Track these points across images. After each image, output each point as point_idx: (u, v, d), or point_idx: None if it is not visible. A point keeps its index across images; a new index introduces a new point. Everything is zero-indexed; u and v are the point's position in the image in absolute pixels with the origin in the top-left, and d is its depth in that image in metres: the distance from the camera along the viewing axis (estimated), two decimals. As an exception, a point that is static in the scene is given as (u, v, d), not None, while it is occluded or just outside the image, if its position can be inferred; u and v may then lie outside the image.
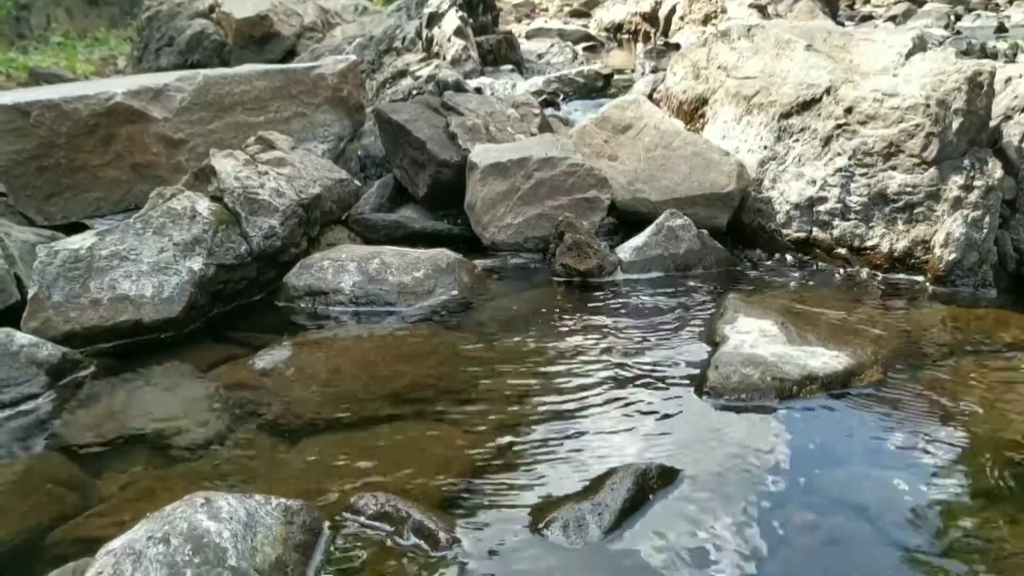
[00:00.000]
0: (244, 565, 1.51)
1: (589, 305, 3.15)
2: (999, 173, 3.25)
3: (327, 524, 1.86)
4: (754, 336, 2.63)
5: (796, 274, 3.48)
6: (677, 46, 7.75)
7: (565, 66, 7.02)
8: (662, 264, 3.42)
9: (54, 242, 3.05)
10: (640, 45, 9.99)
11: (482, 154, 3.83)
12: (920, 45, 3.73)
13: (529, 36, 9.46)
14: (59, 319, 2.88)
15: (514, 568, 1.74)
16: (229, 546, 1.52)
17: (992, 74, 3.31)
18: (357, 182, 4.09)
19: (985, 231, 3.20)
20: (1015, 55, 5.75)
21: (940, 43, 5.38)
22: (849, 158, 3.47)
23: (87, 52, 11.22)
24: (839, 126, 3.53)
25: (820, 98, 3.67)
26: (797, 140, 3.70)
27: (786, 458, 2.10)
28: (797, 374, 2.38)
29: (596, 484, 1.95)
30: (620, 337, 2.85)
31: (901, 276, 3.34)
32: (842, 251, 3.48)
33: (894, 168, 3.36)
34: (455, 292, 3.30)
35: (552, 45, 7.78)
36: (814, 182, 3.56)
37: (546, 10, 14.58)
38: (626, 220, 3.81)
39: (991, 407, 2.33)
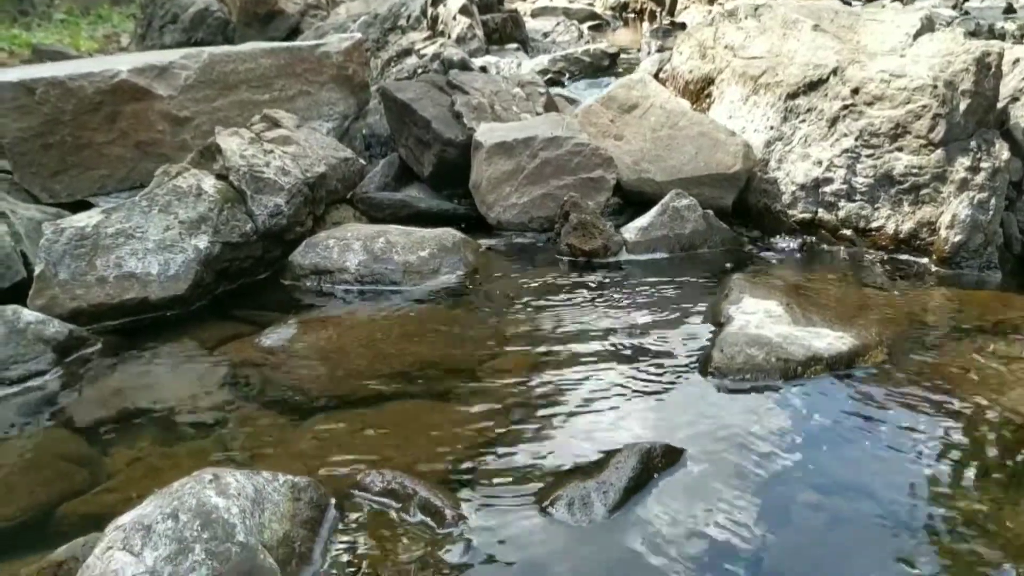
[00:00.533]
0: (252, 541, 1.52)
1: (594, 285, 3.15)
2: (1006, 155, 3.24)
3: (334, 501, 1.88)
4: (759, 317, 2.63)
5: (801, 255, 3.48)
6: (683, 25, 7.70)
7: (571, 45, 6.98)
8: (667, 244, 3.42)
9: (60, 220, 3.06)
10: (646, 24, 9.93)
11: (487, 133, 3.82)
12: (928, 26, 3.71)
13: (534, 15, 9.40)
14: (65, 297, 2.88)
15: (519, 545, 1.75)
16: (237, 522, 1.53)
17: (1000, 55, 3.29)
18: (362, 161, 4.09)
19: (991, 213, 3.20)
20: (1023, 36, 5.71)
21: (948, 24, 5.34)
22: (855, 139, 3.46)
23: (90, 29, 11.17)
24: (846, 107, 3.52)
25: (827, 78, 3.65)
26: (804, 121, 3.69)
27: (790, 439, 2.11)
28: (802, 355, 2.38)
29: (601, 463, 1.96)
30: (625, 317, 2.85)
31: (906, 258, 3.34)
32: (847, 232, 3.48)
33: (900, 149, 3.35)
34: (460, 271, 3.31)
35: (558, 24, 7.73)
36: (820, 163, 3.55)
37: (551, -12, 14.46)
38: (631, 200, 3.81)
39: (995, 389, 2.33)
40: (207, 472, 1.63)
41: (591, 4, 11.04)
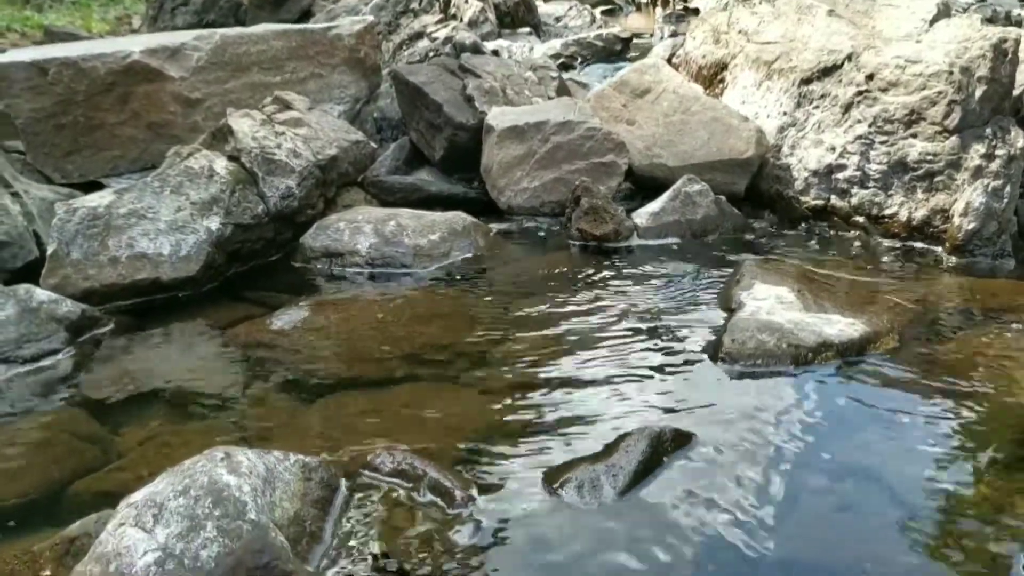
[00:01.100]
0: (263, 519, 1.53)
1: (605, 270, 3.15)
2: (1021, 142, 3.21)
3: (344, 481, 1.89)
4: (770, 303, 2.63)
5: (813, 242, 3.46)
6: (696, 11, 7.64)
7: (583, 29, 6.95)
8: (679, 230, 3.41)
9: (72, 200, 3.07)
10: (659, 9, 9.85)
11: (499, 117, 3.81)
12: (944, 11, 3.68)
13: (547, -1, 9.34)
14: (78, 276, 2.90)
15: (529, 527, 1.76)
16: (249, 500, 1.54)
17: (1017, 42, 3.26)
18: (373, 144, 4.08)
19: (1005, 201, 3.18)
20: (1041, 23, 5.66)
21: (965, 9, 5.29)
22: (869, 125, 3.43)
23: (102, 11, 11.16)
24: (860, 93, 3.50)
25: (841, 64, 3.63)
26: (817, 107, 3.67)
27: (800, 424, 2.10)
28: (813, 341, 2.38)
29: (611, 446, 1.96)
30: (635, 302, 2.85)
31: (919, 245, 3.32)
32: (860, 219, 3.46)
33: (915, 136, 3.33)
34: (470, 255, 3.31)
35: (570, 8, 7.69)
36: (833, 149, 3.53)
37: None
38: (643, 185, 3.80)
39: (1007, 377, 2.32)
40: (219, 450, 1.64)
41: (604, -12, 10.95)
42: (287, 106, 3.64)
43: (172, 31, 7.30)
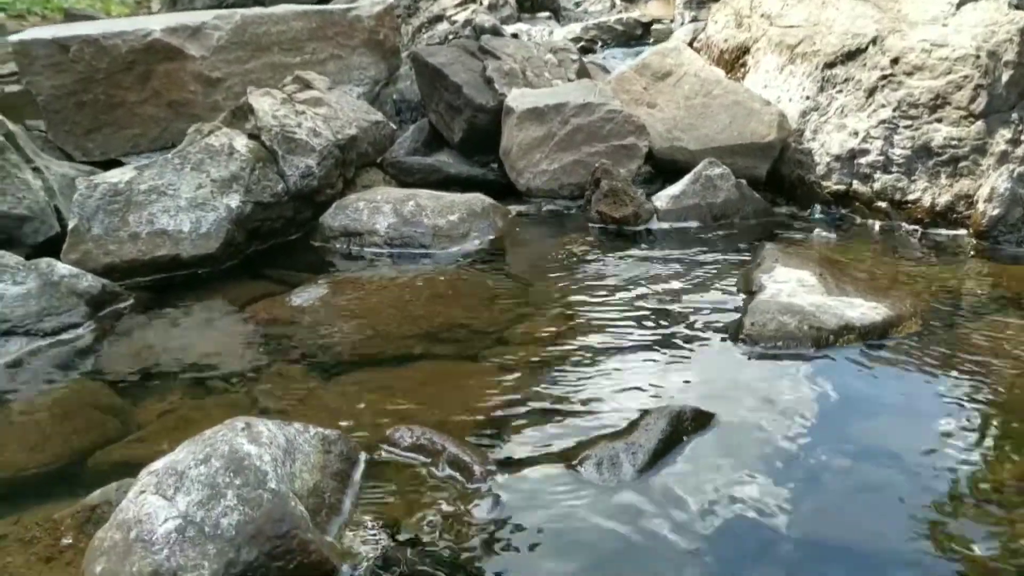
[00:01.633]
0: (284, 489, 1.53)
1: (624, 252, 3.13)
2: (1049, 128, 3.17)
3: (363, 455, 1.89)
4: (791, 286, 2.61)
5: (834, 227, 3.43)
6: (717, -4, 7.58)
7: (603, 14, 6.90)
8: (699, 213, 3.39)
9: (93, 175, 3.08)
10: (679, -5, 9.78)
11: (519, 99, 3.79)
12: (972, -5, 3.62)
13: (566, -16, 9.28)
14: (99, 252, 2.91)
15: (547, 502, 1.75)
16: (269, 470, 1.54)
17: (1047, 25, 3.21)
18: (393, 125, 4.07)
19: (1031, 187, 3.14)
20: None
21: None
22: (894, 110, 3.40)
23: (122, -6, 11.19)
24: (884, 77, 3.46)
25: (866, 48, 3.59)
26: (840, 91, 3.63)
27: (821, 405, 2.09)
28: (835, 323, 2.36)
29: (630, 425, 1.96)
30: (655, 284, 2.83)
31: (942, 231, 3.29)
32: (882, 205, 3.43)
33: (940, 120, 3.29)
34: (489, 236, 3.30)
35: (590, -7, 7.64)
36: (856, 134, 3.50)
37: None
38: (663, 169, 3.77)
39: (1031, 362, 2.30)
40: (239, 420, 1.64)
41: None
42: (307, 85, 3.63)
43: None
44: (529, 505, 1.75)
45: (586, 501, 1.75)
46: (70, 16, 8.72)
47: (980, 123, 3.20)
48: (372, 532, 1.66)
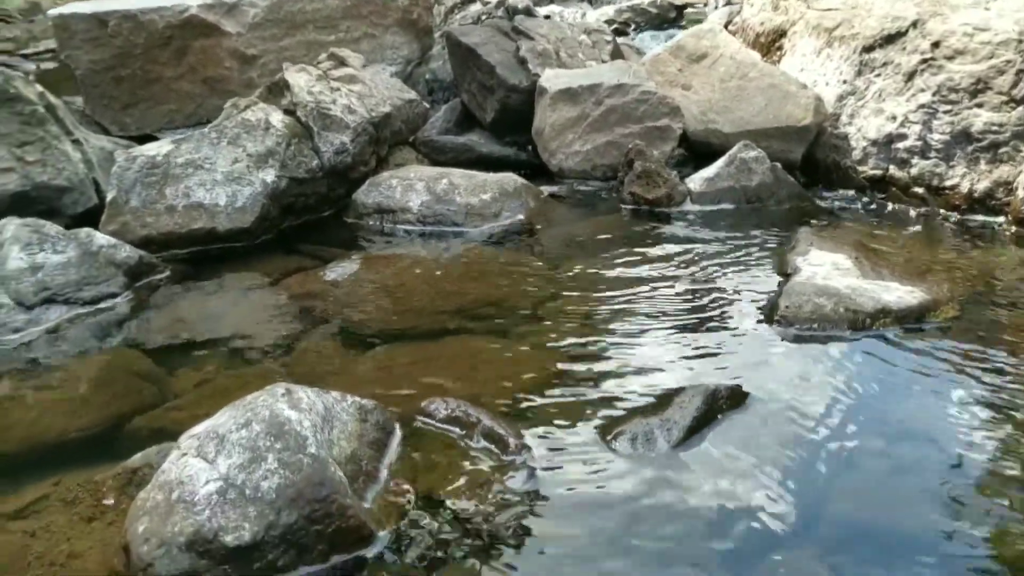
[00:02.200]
0: (323, 454, 1.54)
1: (657, 233, 3.12)
2: (1093, 114, 3.12)
3: (398, 425, 1.90)
4: (827, 269, 2.59)
5: (870, 212, 3.40)
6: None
7: (636, -3, 6.85)
8: (733, 196, 3.36)
9: (131, 148, 3.11)
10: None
11: (552, 79, 3.78)
12: (1016, -22, 3.56)
13: (598, -33, 9.22)
14: (136, 223, 2.94)
15: (582, 475, 1.76)
16: (309, 435, 1.55)
17: (1093, 10, 3.16)
18: (426, 104, 4.08)
19: (1073, 174, 3.09)
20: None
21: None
22: (933, 94, 3.35)
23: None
24: (924, 61, 3.41)
25: (906, 31, 3.54)
26: (879, 75, 3.58)
27: (857, 387, 2.08)
28: (871, 307, 2.34)
29: (665, 401, 1.96)
30: (688, 265, 2.82)
31: (980, 218, 3.24)
32: (919, 190, 3.39)
33: (980, 106, 3.24)
34: (521, 216, 3.30)
35: (623, -24, 7.58)
36: (894, 118, 3.46)
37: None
38: (697, 151, 3.75)
39: (1071, 349, 2.27)
40: (279, 386, 1.66)
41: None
42: (342, 63, 3.64)
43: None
44: (563, 478, 1.76)
45: (620, 475, 1.76)
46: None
47: (1021, 108, 3.15)
48: (408, 501, 1.68)
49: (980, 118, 3.23)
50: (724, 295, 2.59)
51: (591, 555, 1.57)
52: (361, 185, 3.38)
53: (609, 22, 5.63)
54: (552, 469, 1.78)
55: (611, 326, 2.42)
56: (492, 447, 1.83)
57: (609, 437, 1.85)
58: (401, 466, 1.79)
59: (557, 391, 2.10)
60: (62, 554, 1.61)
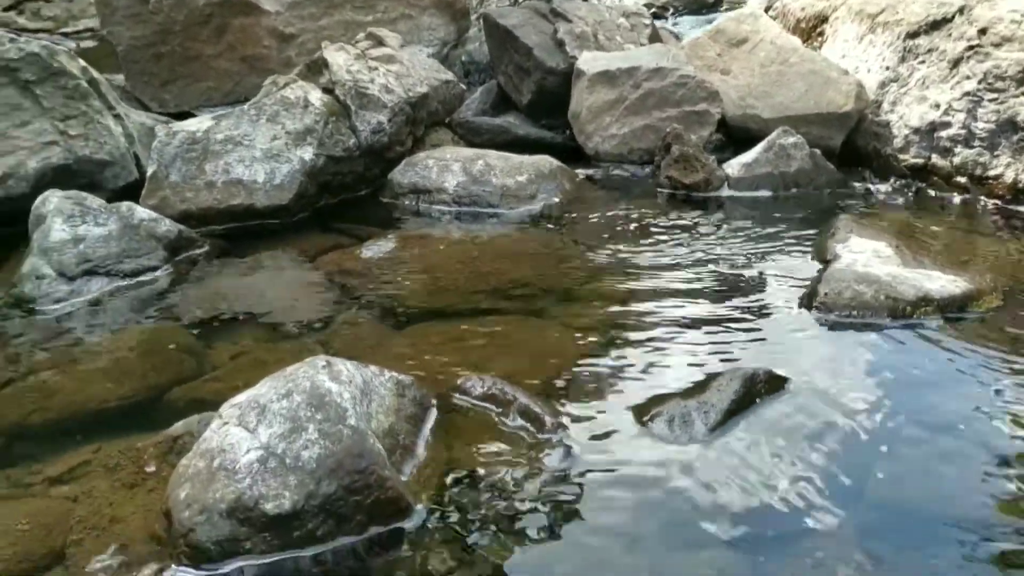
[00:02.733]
0: (363, 426, 1.55)
1: (694, 218, 3.10)
2: None
3: (434, 401, 1.91)
4: (867, 256, 2.56)
5: (910, 201, 3.35)
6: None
7: (674, -18, 6.78)
8: (771, 182, 3.33)
9: (172, 124, 3.13)
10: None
11: (590, 62, 3.76)
12: (1068, -35, 3.48)
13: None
14: (176, 198, 2.97)
15: (618, 455, 1.76)
16: (349, 407, 1.56)
17: None
18: (462, 85, 4.07)
19: (1122, 165, 3.03)
20: None
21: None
22: (979, 82, 3.29)
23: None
24: (971, 48, 3.35)
25: (952, 17, 3.48)
26: (923, 61, 3.53)
27: (897, 375, 2.05)
28: (912, 295, 2.31)
29: (702, 384, 1.95)
30: (725, 250, 2.80)
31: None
32: (961, 179, 3.33)
33: (1028, 94, 3.18)
34: (556, 199, 3.29)
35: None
36: (938, 106, 3.40)
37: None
38: (735, 137, 3.71)
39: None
40: (320, 358, 1.67)
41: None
42: (380, 42, 3.64)
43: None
44: (599, 458, 1.76)
45: (657, 456, 1.76)
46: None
47: (1070, 98, 3.09)
48: (444, 475, 1.69)
49: (1027, 107, 3.17)
50: (762, 280, 2.57)
51: (626, 535, 1.57)
52: (397, 165, 3.39)
53: (648, 5, 5.58)
54: (588, 448, 1.78)
55: (647, 309, 2.41)
56: (528, 425, 1.83)
57: (646, 418, 1.85)
58: (437, 441, 1.79)
59: (592, 372, 2.09)
60: (104, 518, 1.63)
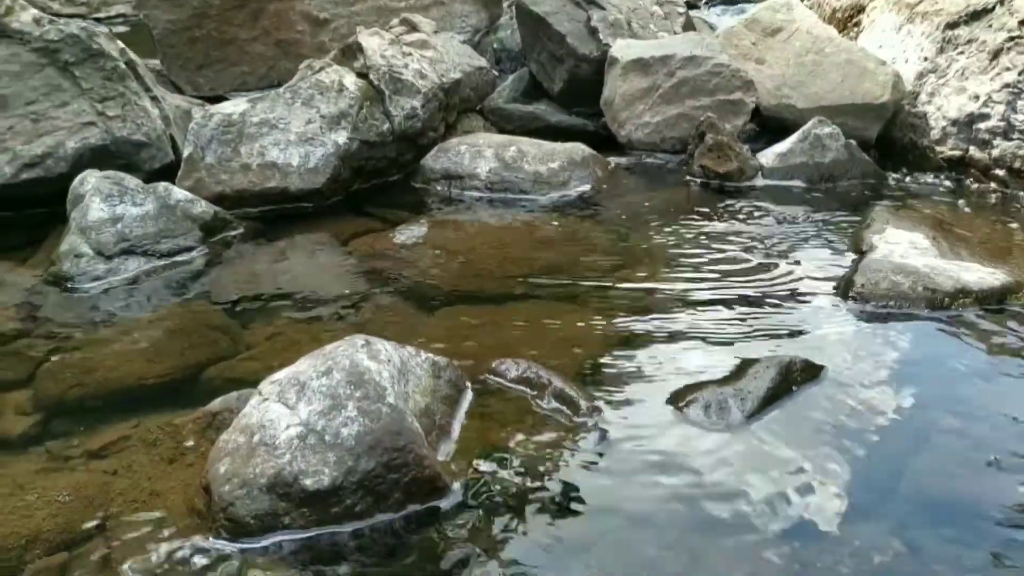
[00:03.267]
0: (401, 405, 1.56)
1: (727, 207, 3.08)
2: None
3: (470, 383, 1.91)
4: (904, 247, 2.53)
5: (947, 193, 3.31)
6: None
7: (706, -28, 6.73)
8: (806, 172, 3.30)
9: (208, 106, 3.15)
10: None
11: (624, 49, 3.74)
12: (1113, -45, 3.42)
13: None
14: (211, 180, 2.99)
15: (654, 440, 1.76)
16: (388, 386, 1.57)
17: None
18: (495, 72, 4.07)
19: None
20: None
21: None
22: (1019, 73, 3.24)
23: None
24: (1012, 38, 3.30)
25: (992, 8, 3.43)
26: (962, 52, 3.48)
27: (935, 366, 2.04)
28: (950, 286, 2.29)
29: (738, 371, 1.94)
30: (759, 239, 2.78)
31: (1064, 202, 3.15)
32: (1000, 172, 3.29)
33: (1070, 86, 3.13)
34: (588, 186, 3.28)
35: (693, -50, 7.45)
36: (977, 98, 3.36)
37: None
38: (769, 126, 3.69)
39: None
40: (359, 337, 1.68)
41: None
42: (414, 28, 3.65)
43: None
44: (635, 442, 1.76)
45: (692, 442, 1.75)
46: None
47: (1114, 90, 3.04)
48: (480, 456, 1.69)
49: (1069, 99, 3.13)
50: (796, 269, 2.55)
51: (661, 520, 1.57)
52: (429, 151, 3.39)
53: (680, -5, 5.54)
54: (623, 433, 1.78)
55: (680, 296, 2.40)
56: (563, 408, 1.83)
57: (681, 404, 1.84)
58: (473, 423, 1.80)
59: (626, 358, 2.09)
60: (143, 492, 1.65)
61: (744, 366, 1.96)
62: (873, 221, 2.77)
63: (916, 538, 1.54)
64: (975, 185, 3.35)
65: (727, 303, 2.35)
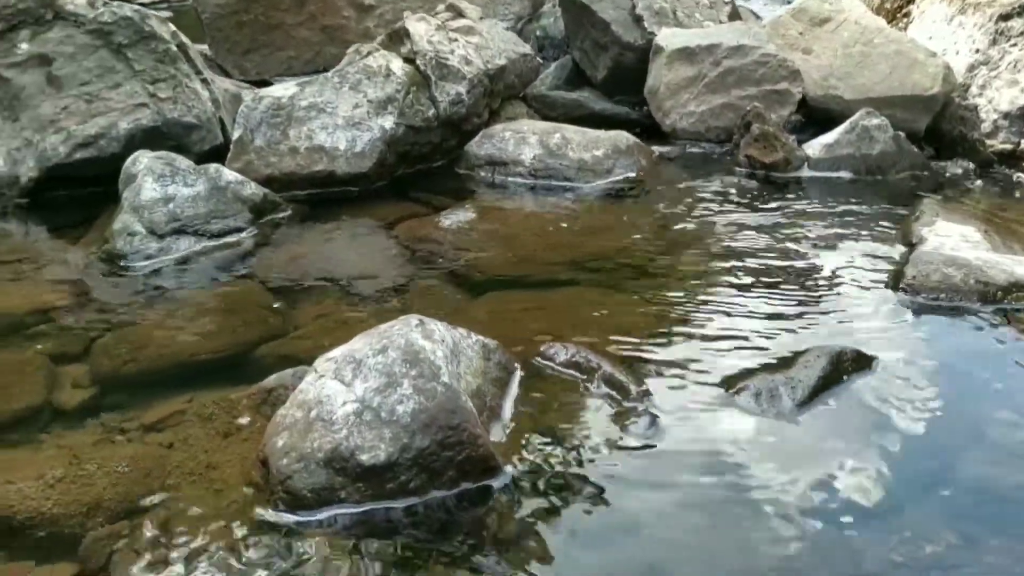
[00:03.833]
0: (455, 384, 1.58)
1: (773, 197, 3.06)
2: None
3: (519, 366, 1.92)
4: (955, 240, 2.51)
5: (998, 186, 3.26)
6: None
7: (750, -38, 6.66)
8: (853, 164, 3.27)
9: (258, 90, 3.18)
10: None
11: (669, 38, 3.72)
12: None
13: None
14: (260, 163, 3.02)
15: (703, 426, 1.76)
16: (442, 365, 1.59)
17: None
18: (539, 59, 4.07)
19: None
20: None
21: None
22: (1075, 66, 3.19)
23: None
24: (1068, 31, 3.24)
25: (1048, 0, 3.37)
26: (1015, 44, 3.42)
27: (988, 358, 2.02)
28: (1003, 279, 2.26)
29: (789, 360, 1.94)
30: (805, 230, 2.76)
31: (1119, 197, 3.09)
32: (1052, 167, 3.24)
33: None
34: (632, 174, 3.28)
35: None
36: (1030, 90, 3.30)
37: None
38: (815, 118, 3.65)
39: None
40: (413, 317, 1.69)
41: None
42: (460, 14, 3.66)
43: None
44: (685, 428, 1.76)
45: (743, 429, 1.75)
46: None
47: None
48: (531, 438, 1.71)
49: (1126, 93, 3.07)
50: (845, 261, 2.53)
51: (711, 507, 1.57)
52: (473, 137, 3.40)
53: (725, -15, 5.49)
54: (674, 418, 1.78)
55: (727, 285, 2.39)
56: (613, 393, 1.84)
57: (732, 391, 1.84)
58: (522, 405, 1.81)
59: (673, 345, 2.09)
60: (200, 464, 1.69)
61: (795, 355, 1.95)
62: (923, 213, 2.74)
63: (968, 529, 1.53)
64: (1027, 179, 3.30)
65: (775, 292, 2.34)
